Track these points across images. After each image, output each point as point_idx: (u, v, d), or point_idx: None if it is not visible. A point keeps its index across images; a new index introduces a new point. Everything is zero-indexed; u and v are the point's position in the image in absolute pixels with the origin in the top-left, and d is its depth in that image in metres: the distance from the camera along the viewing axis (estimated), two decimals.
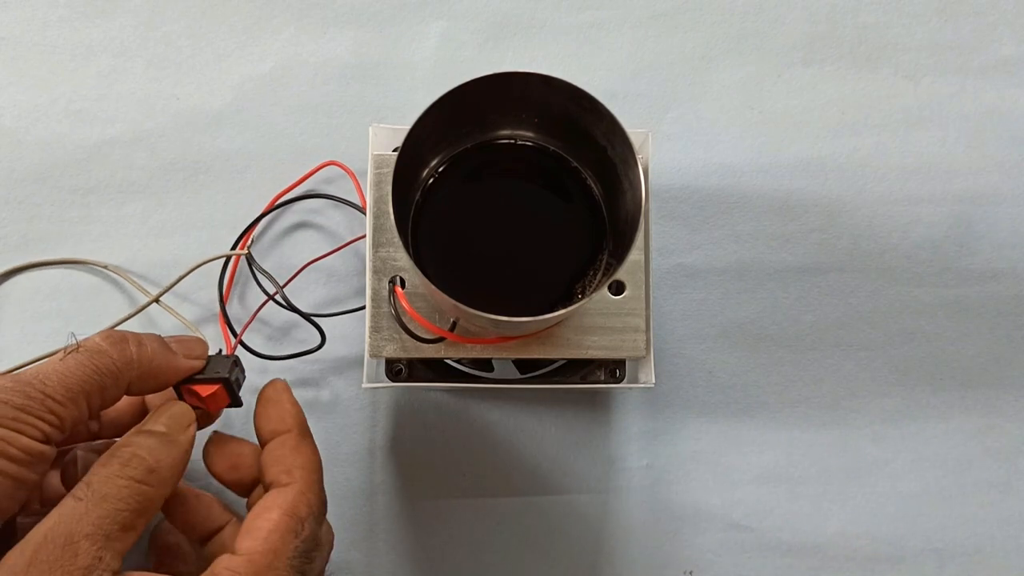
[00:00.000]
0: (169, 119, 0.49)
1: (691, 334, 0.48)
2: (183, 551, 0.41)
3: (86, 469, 0.35)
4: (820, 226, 0.49)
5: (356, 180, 0.47)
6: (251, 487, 0.38)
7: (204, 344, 0.38)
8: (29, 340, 0.46)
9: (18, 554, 0.30)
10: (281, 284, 0.44)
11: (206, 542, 0.38)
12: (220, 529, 0.38)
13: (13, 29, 0.49)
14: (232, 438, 0.39)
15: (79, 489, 0.31)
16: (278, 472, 0.35)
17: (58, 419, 0.31)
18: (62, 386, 0.31)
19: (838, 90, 0.51)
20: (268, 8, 0.50)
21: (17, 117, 0.49)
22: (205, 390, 0.37)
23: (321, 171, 0.48)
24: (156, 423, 0.34)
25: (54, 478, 0.38)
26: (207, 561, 0.33)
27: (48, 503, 0.37)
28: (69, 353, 0.33)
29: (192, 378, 0.37)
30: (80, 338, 0.34)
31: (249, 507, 0.37)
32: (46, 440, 0.31)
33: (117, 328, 0.40)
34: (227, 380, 0.37)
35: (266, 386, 0.38)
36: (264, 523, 0.33)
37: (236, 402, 0.38)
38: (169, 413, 0.35)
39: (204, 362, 0.37)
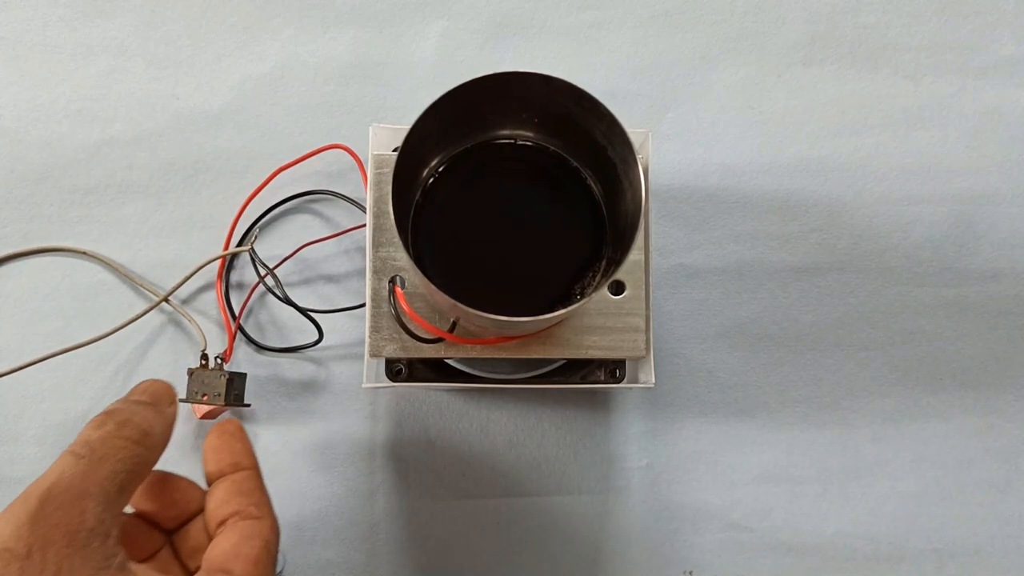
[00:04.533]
0: (169, 119, 0.49)
1: (691, 334, 0.48)
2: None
3: None
4: (820, 226, 0.49)
5: (362, 166, 0.47)
6: (182, 522, 0.37)
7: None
8: (28, 339, 0.46)
9: (20, 507, 0.29)
10: (273, 270, 0.44)
11: (176, 530, 0.37)
12: (194, 516, 0.36)
13: (13, 29, 0.49)
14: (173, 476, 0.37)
15: (78, 446, 0.31)
16: (247, 504, 0.35)
17: None
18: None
19: (838, 90, 0.51)
20: (268, 8, 0.50)
21: (17, 117, 0.49)
22: (200, 410, 0.43)
23: (326, 165, 0.48)
24: (141, 395, 0.34)
25: None
26: (183, 553, 0.35)
27: None
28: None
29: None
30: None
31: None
32: None
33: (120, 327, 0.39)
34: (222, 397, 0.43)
35: (225, 422, 0.37)
36: (251, 550, 0.33)
37: (241, 405, 0.46)
38: (152, 389, 0.35)
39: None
